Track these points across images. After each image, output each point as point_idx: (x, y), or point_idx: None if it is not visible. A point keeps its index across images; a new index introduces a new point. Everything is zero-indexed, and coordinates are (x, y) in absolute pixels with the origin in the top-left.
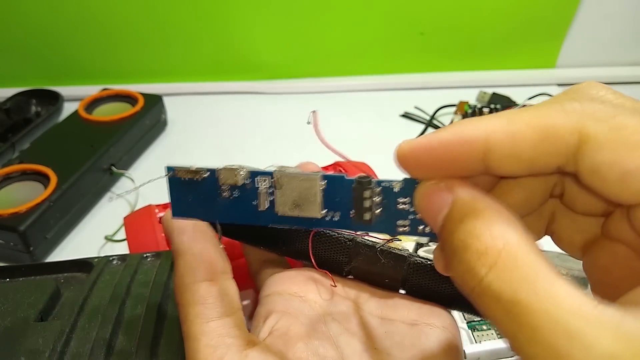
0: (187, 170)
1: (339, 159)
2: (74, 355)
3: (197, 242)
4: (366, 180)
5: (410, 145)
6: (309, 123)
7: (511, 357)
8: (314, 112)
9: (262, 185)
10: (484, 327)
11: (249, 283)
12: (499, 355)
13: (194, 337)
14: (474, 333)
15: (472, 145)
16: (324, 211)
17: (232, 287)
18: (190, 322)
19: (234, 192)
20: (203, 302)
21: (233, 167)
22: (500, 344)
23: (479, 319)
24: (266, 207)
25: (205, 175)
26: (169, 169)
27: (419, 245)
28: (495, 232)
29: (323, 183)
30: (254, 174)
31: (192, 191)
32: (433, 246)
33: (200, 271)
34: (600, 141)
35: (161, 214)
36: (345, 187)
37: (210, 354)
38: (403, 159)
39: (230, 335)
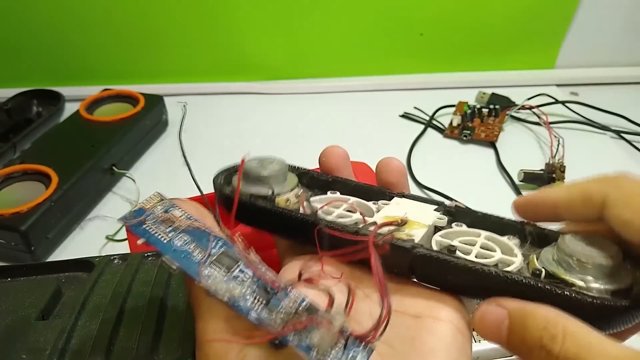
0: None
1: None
2: (75, 352)
3: None
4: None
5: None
6: None
7: (511, 357)
8: None
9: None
10: None
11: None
12: (498, 355)
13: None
14: (473, 332)
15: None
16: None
17: None
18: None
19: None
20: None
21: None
22: None
23: None
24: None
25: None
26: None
27: (437, 229)
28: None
29: None
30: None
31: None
32: (455, 228)
33: None
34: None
35: None
36: None
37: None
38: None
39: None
